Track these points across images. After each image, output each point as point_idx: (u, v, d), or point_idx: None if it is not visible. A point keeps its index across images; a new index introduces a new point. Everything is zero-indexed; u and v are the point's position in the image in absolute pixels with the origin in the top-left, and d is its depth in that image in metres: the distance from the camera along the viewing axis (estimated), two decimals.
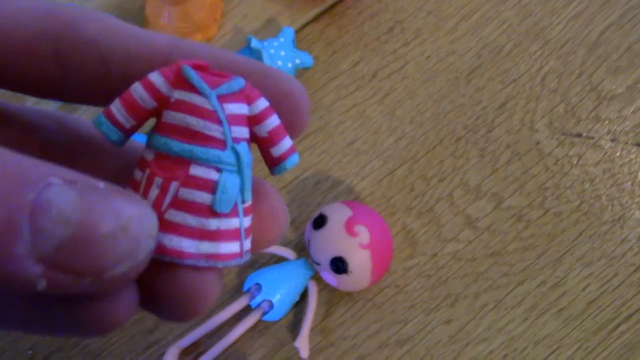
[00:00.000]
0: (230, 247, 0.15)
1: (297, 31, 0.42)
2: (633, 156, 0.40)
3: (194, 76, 0.14)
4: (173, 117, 0.14)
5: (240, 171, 0.15)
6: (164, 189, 0.14)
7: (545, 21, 0.42)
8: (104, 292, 0.13)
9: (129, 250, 0.12)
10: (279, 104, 0.16)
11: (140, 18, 0.41)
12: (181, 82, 0.14)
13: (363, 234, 0.33)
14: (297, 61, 0.38)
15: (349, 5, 0.43)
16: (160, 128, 0.14)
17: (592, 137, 0.40)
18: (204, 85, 0.14)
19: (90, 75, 0.16)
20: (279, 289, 0.36)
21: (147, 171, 0.14)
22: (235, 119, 0.15)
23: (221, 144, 0.14)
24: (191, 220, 0.14)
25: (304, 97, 0.16)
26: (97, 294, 0.13)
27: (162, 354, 0.36)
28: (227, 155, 0.14)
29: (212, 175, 0.14)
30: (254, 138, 0.15)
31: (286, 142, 0.16)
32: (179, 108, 0.14)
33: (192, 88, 0.14)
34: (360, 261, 0.33)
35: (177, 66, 0.15)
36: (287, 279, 0.36)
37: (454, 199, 0.39)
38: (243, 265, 0.38)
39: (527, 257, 0.38)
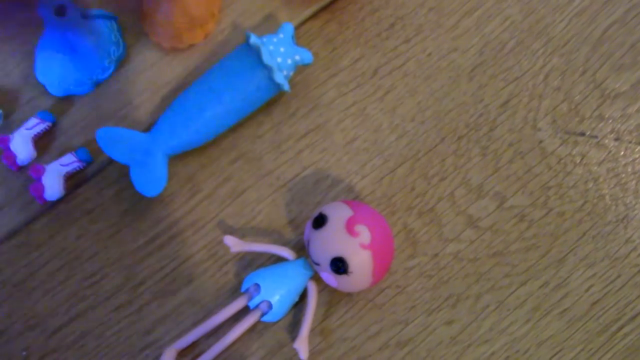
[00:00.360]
0: None
1: (297, 27, 0.41)
2: (637, 155, 0.40)
3: None
4: None
5: None
6: None
7: (549, 18, 0.42)
8: None
9: None
10: None
11: (137, 14, 0.41)
12: None
13: (364, 233, 0.33)
14: (297, 58, 0.38)
15: (350, 1, 0.42)
16: None
17: (596, 136, 0.40)
18: None
19: None
20: (278, 289, 0.35)
21: None
22: None
23: None
24: None
25: None
26: None
27: (159, 356, 0.35)
28: None
29: None
30: None
31: None
32: None
33: None
34: (361, 262, 0.33)
35: None
36: (286, 279, 0.35)
37: (455, 198, 0.39)
38: (240, 265, 0.38)
39: (529, 257, 0.38)
